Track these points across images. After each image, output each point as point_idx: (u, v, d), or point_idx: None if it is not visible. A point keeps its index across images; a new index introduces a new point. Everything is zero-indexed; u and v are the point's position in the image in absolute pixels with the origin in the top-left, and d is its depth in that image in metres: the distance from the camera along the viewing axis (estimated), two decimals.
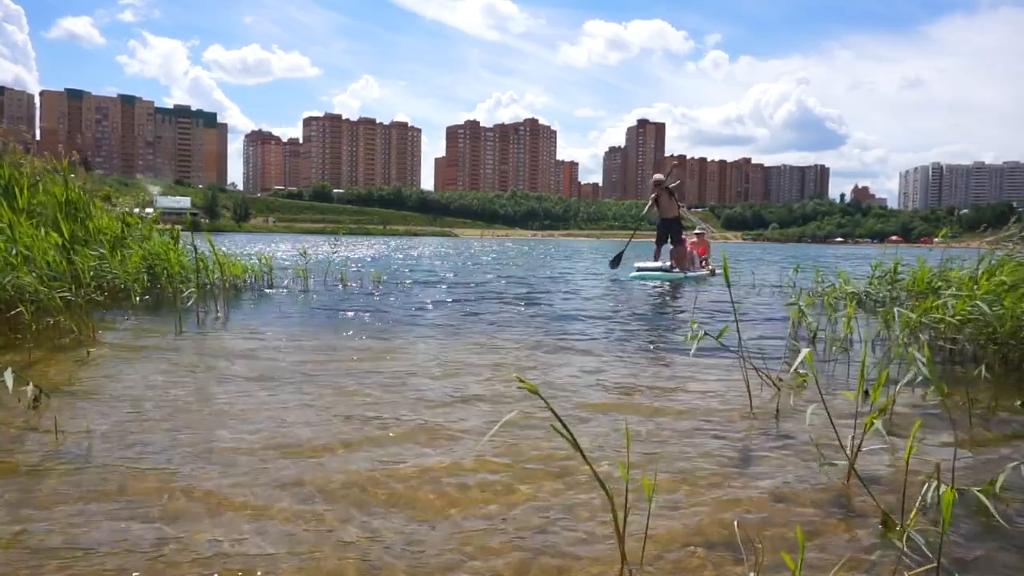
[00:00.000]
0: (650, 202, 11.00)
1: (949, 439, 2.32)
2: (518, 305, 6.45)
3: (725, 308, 6.39)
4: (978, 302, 3.45)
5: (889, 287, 5.39)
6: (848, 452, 1.91)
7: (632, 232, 12.23)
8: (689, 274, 10.20)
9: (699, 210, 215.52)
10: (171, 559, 1.47)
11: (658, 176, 11.06)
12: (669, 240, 10.72)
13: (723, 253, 2.87)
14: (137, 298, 5.52)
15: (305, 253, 8.78)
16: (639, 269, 10.19)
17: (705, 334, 2.79)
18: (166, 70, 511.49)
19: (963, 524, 1.69)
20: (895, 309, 3.57)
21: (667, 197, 10.74)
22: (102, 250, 5.56)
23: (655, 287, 8.81)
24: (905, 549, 1.53)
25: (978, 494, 1.71)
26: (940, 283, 4.44)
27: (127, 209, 7.08)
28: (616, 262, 11.31)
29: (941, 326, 3.73)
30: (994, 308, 3.47)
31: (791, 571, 1.37)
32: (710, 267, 11.30)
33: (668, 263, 10.22)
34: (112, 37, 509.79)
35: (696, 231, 11.87)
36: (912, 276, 5.01)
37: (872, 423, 1.78)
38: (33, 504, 1.72)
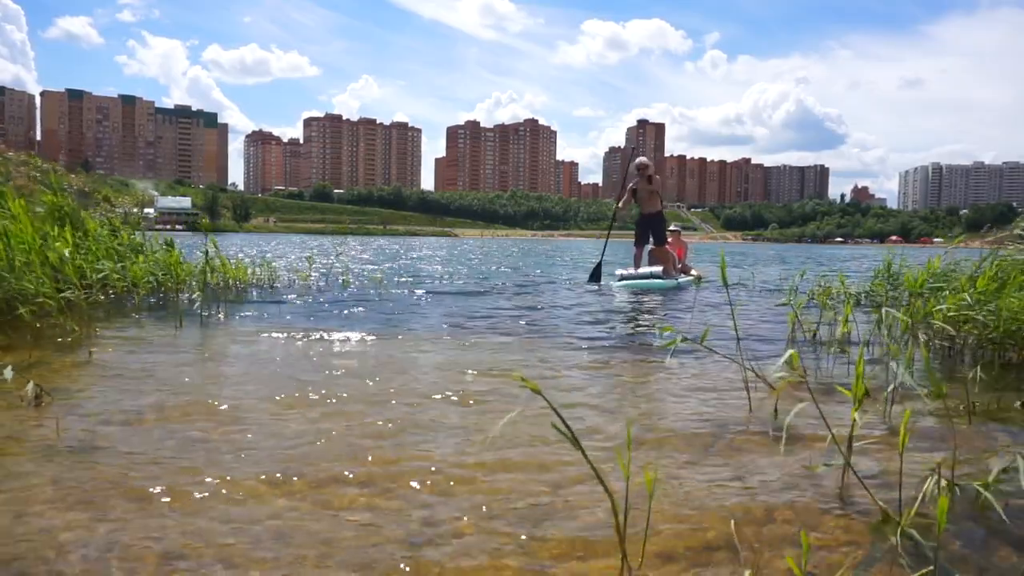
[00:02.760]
0: (626, 195, 9.01)
1: (948, 439, 2.33)
2: (514, 308, 6.45)
3: (723, 310, 6.40)
4: (967, 296, 3.50)
5: (891, 288, 5.41)
6: (843, 451, 1.93)
7: (606, 234, 10.22)
8: (681, 280, 8.91)
9: (699, 210, 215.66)
10: (172, 557, 1.47)
11: (643, 160, 9.19)
12: (651, 240, 9.03)
13: (721, 252, 2.88)
14: (140, 299, 5.54)
15: (311, 260, 8.81)
16: (622, 277, 8.58)
17: (684, 339, 2.78)
18: (165, 70, 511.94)
19: (962, 522, 1.70)
20: (884, 309, 3.58)
21: (649, 188, 9.01)
22: (107, 262, 5.58)
23: (644, 297, 7.58)
24: (903, 547, 1.53)
25: (979, 489, 1.73)
26: (940, 284, 4.45)
27: (123, 210, 7.10)
28: (596, 276, 9.26)
29: (938, 324, 3.74)
30: (987, 306, 3.47)
31: (789, 569, 1.37)
32: (695, 272, 9.87)
33: (653, 268, 8.64)
34: (111, 37, 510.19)
35: (671, 228, 10.06)
36: (914, 276, 5.03)
37: (856, 414, 1.80)
38: (33, 503, 1.72)
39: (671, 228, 9.87)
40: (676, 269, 9.20)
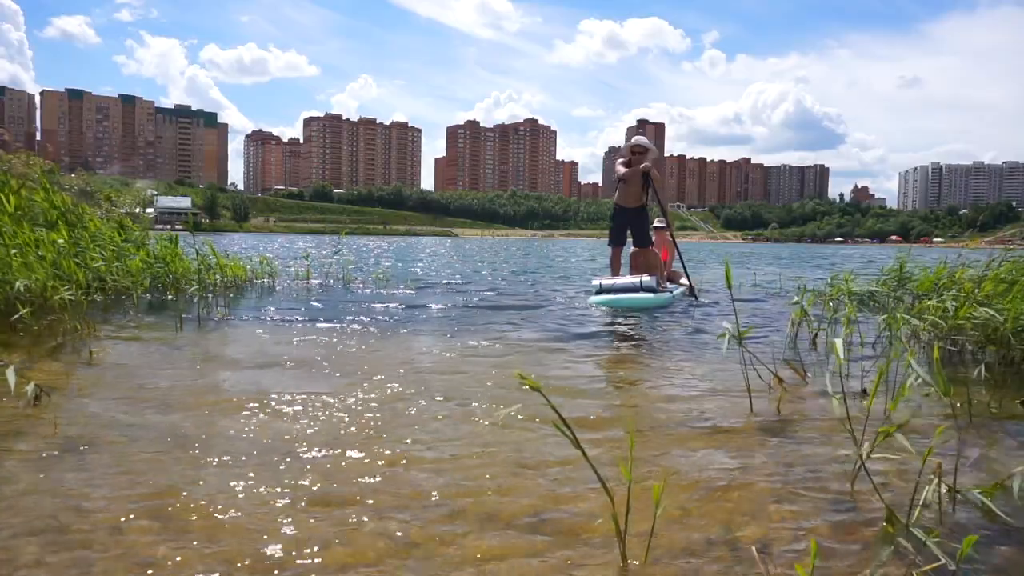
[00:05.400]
0: (620, 168, 7.01)
1: (950, 439, 2.33)
2: (513, 307, 6.45)
3: (723, 310, 6.39)
4: (987, 309, 3.46)
5: (895, 289, 5.40)
6: (859, 451, 1.90)
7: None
8: (675, 290, 7.00)
9: (699, 210, 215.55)
10: (173, 558, 1.47)
11: (641, 139, 7.18)
12: (631, 240, 7.13)
13: (726, 259, 2.94)
14: (138, 298, 5.53)
15: (308, 256, 8.81)
16: (602, 289, 6.46)
17: (734, 336, 2.80)
18: (163, 70, 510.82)
19: (964, 522, 1.69)
20: (897, 313, 3.57)
21: (640, 176, 6.95)
22: (104, 254, 5.58)
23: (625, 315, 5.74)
24: (909, 548, 1.54)
25: (981, 497, 1.73)
26: (945, 286, 4.45)
27: (125, 210, 7.12)
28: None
29: (943, 326, 3.73)
30: (995, 309, 3.47)
31: (794, 569, 1.37)
32: (685, 280, 7.82)
33: (643, 277, 6.46)
34: (108, 36, 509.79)
35: (655, 224, 7.99)
36: (921, 278, 5.04)
37: (887, 434, 1.74)
38: (32, 502, 1.72)
39: (655, 225, 7.94)
40: (663, 276, 7.27)
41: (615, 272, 7.19)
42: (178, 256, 6.35)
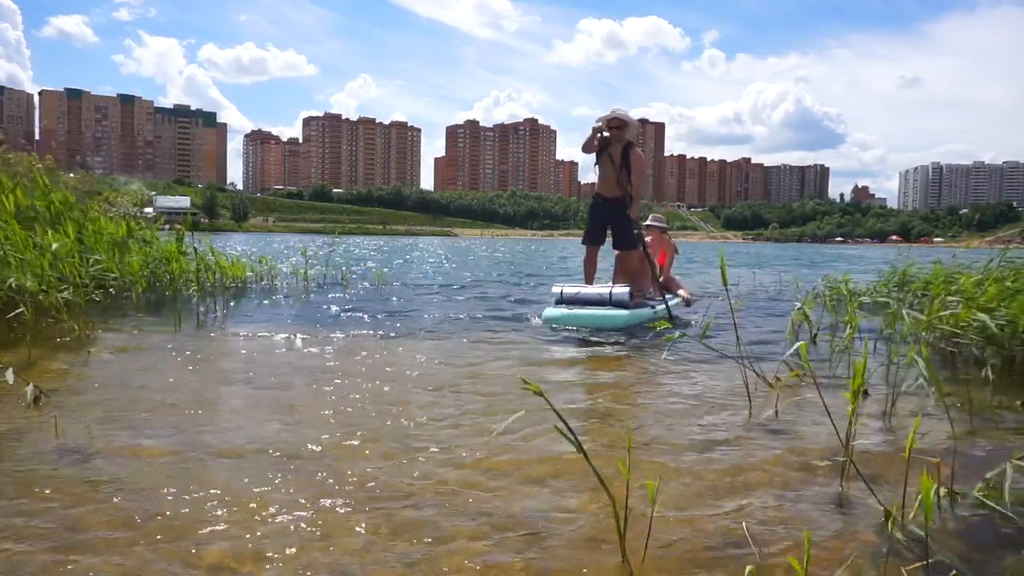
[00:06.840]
0: (592, 136, 5.54)
1: (949, 439, 2.33)
2: (513, 308, 6.44)
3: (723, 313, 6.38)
4: (984, 317, 3.47)
5: (896, 291, 5.40)
6: (846, 448, 1.92)
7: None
8: (658, 305, 5.38)
9: (699, 210, 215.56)
10: (172, 557, 1.46)
11: (618, 112, 5.66)
12: (612, 239, 5.80)
13: (721, 251, 2.89)
14: (138, 298, 5.52)
15: (305, 253, 8.80)
16: (562, 299, 5.17)
17: (682, 335, 2.81)
18: (161, 69, 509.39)
19: (962, 520, 1.68)
20: (905, 311, 3.55)
21: (620, 158, 5.55)
22: (101, 256, 5.57)
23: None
24: (906, 546, 1.54)
25: (977, 495, 1.72)
26: (947, 288, 4.44)
27: (126, 210, 7.12)
28: None
29: (944, 327, 3.73)
30: (996, 315, 3.47)
31: (791, 568, 1.38)
32: (683, 292, 6.51)
33: (615, 288, 5.14)
34: (107, 36, 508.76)
35: (649, 222, 6.64)
36: (923, 281, 5.05)
37: (855, 402, 1.79)
38: (32, 503, 1.71)
39: (649, 223, 6.60)
40: (655, 285, 5.72)
41: (589, 277, 5.80)
42: (178, 256, 6.34)
